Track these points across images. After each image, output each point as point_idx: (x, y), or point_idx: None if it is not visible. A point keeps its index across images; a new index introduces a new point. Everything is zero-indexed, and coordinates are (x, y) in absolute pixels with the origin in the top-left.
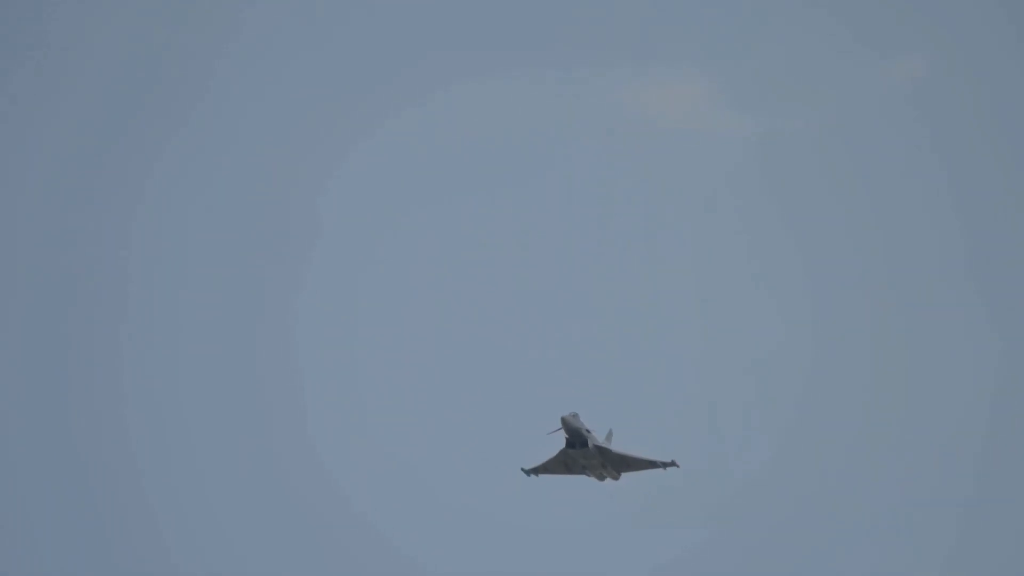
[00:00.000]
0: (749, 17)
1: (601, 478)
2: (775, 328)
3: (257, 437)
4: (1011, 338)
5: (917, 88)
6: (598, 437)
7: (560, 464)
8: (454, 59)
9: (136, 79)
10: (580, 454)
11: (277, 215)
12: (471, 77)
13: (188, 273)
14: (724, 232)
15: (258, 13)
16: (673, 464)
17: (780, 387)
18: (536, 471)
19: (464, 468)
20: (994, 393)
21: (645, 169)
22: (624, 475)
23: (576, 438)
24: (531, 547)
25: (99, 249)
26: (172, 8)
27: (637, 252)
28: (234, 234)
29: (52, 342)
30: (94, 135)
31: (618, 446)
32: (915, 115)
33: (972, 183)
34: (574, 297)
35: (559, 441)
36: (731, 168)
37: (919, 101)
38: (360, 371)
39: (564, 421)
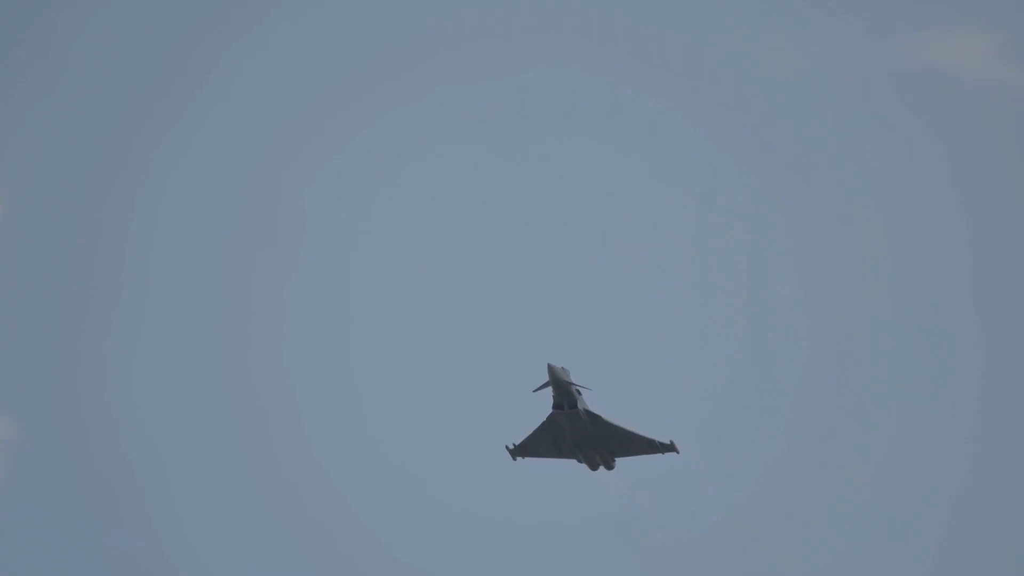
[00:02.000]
0: None
1: (594, 465)
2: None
3: (246, 431)
4: None
5: None
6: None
7: (547, 439)
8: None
9: (132, 75)
10: (568, 420)
11: (267, 209)
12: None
13: (179, 266)
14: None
15: (251, 6)
16: (672, 448)
17: None
18: (522, 451)
19: (461, 466)
20: (991, 394)
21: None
22: (618, 462)
23: (564, 396)
24: (527, 547)
25: (90, 243)
26: (167, 6)
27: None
28: (224, 228)
29: (40, 338)
30: (86, 131)
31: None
32: None
33: None
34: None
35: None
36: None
37: None
38: (350, 365)
39: (552, 371)
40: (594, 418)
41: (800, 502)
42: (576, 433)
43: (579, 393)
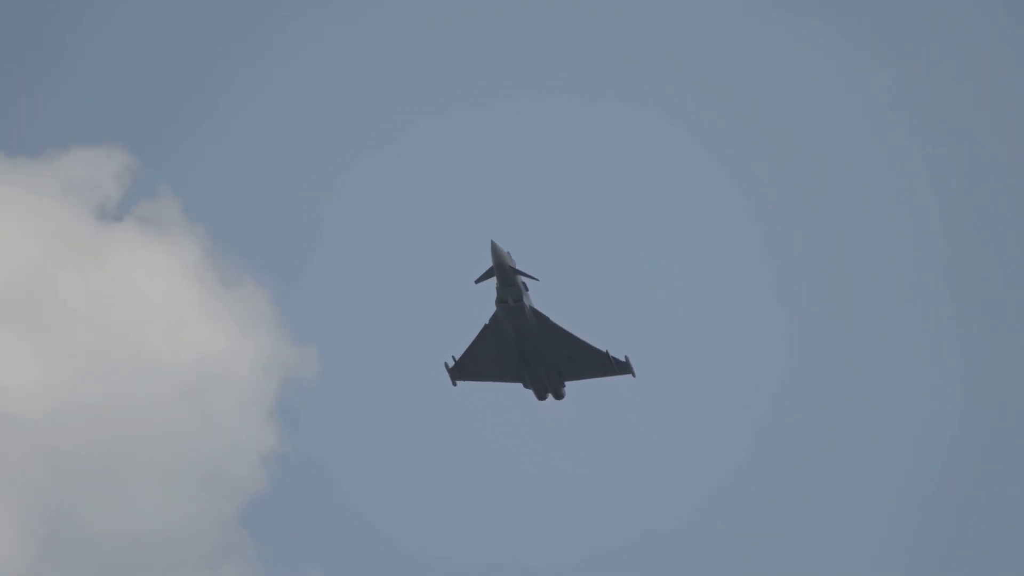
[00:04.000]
0: None
1: (541, 392)
2: None
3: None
4: None
5: None
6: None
7: (489, 349)
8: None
9: (140, 90)
10: (512, 318)
11: (281, 220)
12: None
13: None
14: None
15: (275, 17)
16: (628, 369)
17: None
18: (461, 371)
19: (462, 467)
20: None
21: None
22: (568, 391)
23: (509, 287)
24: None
25: None
26: (188, 13)
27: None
28: (231, 233)
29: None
30: (90, 136)
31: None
32: None
33: None
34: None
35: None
36: None
37: None
38: (352, 377)
39: (496, 251)
40: (541, 318)
41: (791, 501)
42: (521, 337)
43: (526, 288)
